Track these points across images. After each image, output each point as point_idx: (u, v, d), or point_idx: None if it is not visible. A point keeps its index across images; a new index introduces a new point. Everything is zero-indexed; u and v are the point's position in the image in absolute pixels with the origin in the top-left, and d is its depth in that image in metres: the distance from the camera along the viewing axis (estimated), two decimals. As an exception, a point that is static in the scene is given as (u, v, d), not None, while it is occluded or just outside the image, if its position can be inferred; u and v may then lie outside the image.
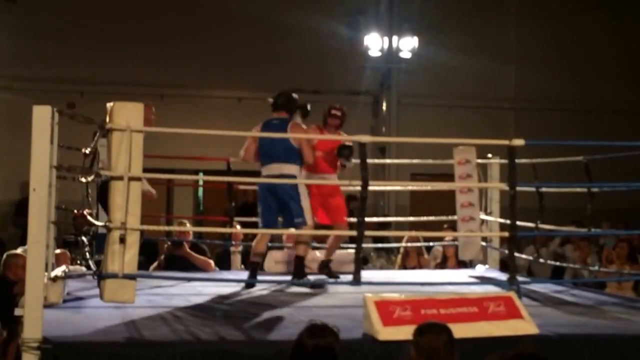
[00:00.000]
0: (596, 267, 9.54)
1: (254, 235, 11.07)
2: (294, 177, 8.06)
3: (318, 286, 7.92)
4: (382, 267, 10.80)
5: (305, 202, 8.09)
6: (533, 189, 8.99)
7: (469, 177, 9.28)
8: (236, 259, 10.30)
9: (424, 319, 5.24)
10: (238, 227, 9.99)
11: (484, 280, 8.76)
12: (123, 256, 5.91)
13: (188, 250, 9.50)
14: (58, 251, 7.58)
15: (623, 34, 17.61)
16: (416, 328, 4.58)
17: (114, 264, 5.92)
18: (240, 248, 10.36)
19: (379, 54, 16.43)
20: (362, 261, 7.47)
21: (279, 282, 8.32)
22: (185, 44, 15.74)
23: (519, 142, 7.08)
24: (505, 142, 7.16)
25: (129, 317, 6.19)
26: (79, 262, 8.90)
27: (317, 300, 7.34)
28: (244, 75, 16.02)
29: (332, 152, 8.52)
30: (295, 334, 4.60)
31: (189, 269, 9.25)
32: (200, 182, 15.39)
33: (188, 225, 9.99)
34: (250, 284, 7.90)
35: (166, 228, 9.72)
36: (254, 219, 11.16)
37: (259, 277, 8.38)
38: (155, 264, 9.57)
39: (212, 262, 9.66)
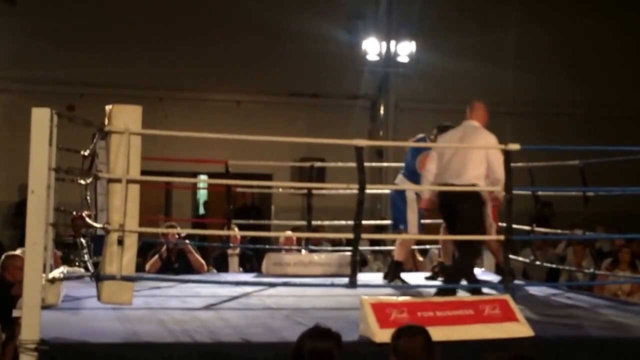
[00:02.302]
0: (591, 270, 9.56)
1: (253, 238, 11.13)
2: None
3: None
4: (379, 270, 10.81)
5: (411, 212, 8.66)
6: (529, 192, 9.02)
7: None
8: (234, 261, 10.33)
9: (420, 322, 5.26)
10: (236, 229, 10.04)
11: (479, 283, 8.77)
12: (121, 258, 5.93)
13: (189, 246, 9.59)
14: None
15: (621, 39, 17.65)
16: (394, 331, 4.56)
17: (112, 266, 5.94)
18: (237, 250, 10.40)
19: (377, 58, 16.46)
20: (360, 264, 7.52)
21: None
22: (185, 47, 15.76)
23: (514, 146, 7.11)
24: (501, 146, 7.19)
25: (126, 318, 6.22)
26: (77, 263, 8.93)
27: (315, 303, 7.36)
28: (243, 79, 16.05)
29: None
30: (292, 337, 4.61)
31: (184, 266, 9.35)
32: (200, 185, 15.43)
33: (178, 227, 10.02)
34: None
35: (165, 230, 9.73)
36: (251, 222, 11.23)
37: (273, 280, 8.51)
38: (157, 257, 9.59)
39: (204, 264, 9.71)
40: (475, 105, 8.21)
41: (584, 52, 17.44)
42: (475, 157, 7.70)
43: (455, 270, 8.04)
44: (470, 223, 7.61)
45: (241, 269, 10.34)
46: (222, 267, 10.22)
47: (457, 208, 7.66)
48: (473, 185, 7.60)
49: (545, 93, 17.34)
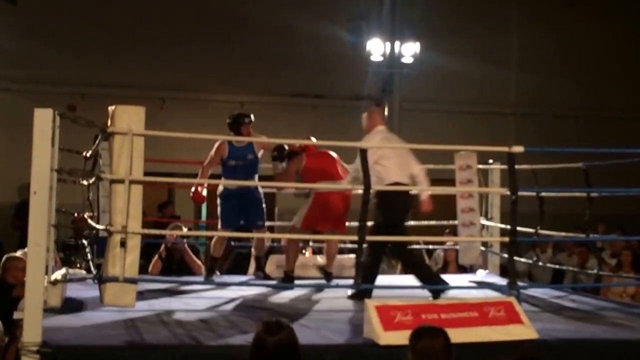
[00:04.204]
0: (595, 272, 9.52)
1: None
2: None
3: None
4: (383, 272, 10.78)
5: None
6: (533, 194, 9.00)
7: (470, 183, 9.29)
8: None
9: (424, 324, 5.24)
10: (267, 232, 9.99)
11: (484, 285, 8.76)
12: (124, 260, 5.90)
13: (186, 247, 9.54)
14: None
15: (623, 40, 17.64)
16: (412, 332, 4.54)
17: (115, 268, 5.91)
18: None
19: (381, 59, 16.45)
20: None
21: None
22: (187, 47, 15.75)
23: (518, 148, 7.09)
24: (505, 148, 7.16)
25: (128, 320, 6.20)
26: (79, 265, 8.90)
27: (319, 305, 7.33)
28: (246, 79, 16.03)
29: None
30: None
31: (186, 267, 9.32)
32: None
33: (185, 229, 9.97)
34: None
35: (166, 232, 9.67)
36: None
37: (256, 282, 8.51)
38: (156, 258, 9.55)
39: (201, 265, 9.65)
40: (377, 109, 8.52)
41: (586, 53, 17.43)
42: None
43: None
44: None
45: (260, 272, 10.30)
46: (243, 268, 10.09)
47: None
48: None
49: (548, 94, 17.33)
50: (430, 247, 10.95)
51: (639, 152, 7.97)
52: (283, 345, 4.31)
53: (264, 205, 8.94)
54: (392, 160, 7.79)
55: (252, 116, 8.98)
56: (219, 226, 8.86)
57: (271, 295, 7.95)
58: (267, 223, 12.63)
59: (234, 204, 8.80)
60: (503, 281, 8.64)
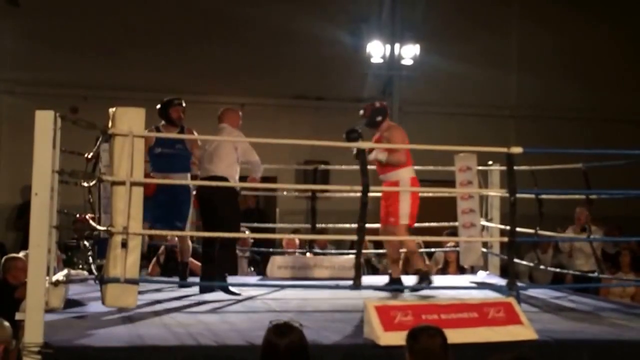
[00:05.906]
0: (595, 274, 9.54)
1: (256, 241, 11.11)
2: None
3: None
4: (385, 271, 10.80)
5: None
6: (533, 195, 9.02)
7: (470, 184, 9.32)
8: (242, 262, 10.30)
9: (420, 324, 5.26)
10: (247, 232, 10.03)
11: (484, 286, 8.77)
12: (125, 261, 5.93)
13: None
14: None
15: (623, 42, 17.62)
16: (409, 333, 4.54)
17: (116, 269, 5.94)
18: (247, 253, 10.39)
19: (381, 61, 16.46)
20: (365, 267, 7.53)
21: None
22: (188, 49, 15.75)
23: (517, 149, 7.12)
24: (504, 149, 7.19)
25: (130, 321, 6.22)
26: (80, 266, 8.91)
27: (319, 305, 7.35)
28: (247, 81, 16.03)
29: None
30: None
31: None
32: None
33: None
34: None
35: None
36: (255, 225, 11.22)
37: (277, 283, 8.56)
38: (154, 260, 9.56)
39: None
40: (225, 110, 8.92)
41: (587, 55, 17.42)
42: (223, 151, 8.21)
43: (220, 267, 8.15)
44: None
45: (252, 268, 10.31)
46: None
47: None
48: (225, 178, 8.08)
49: (549, 96, 17.32)
50: (433, 249, 10.97)
51: (637, 153, 7.98)
52: (295, 347, 4.28)
53: (190, 208, 8.42)
54: (219, 153, 8.15)
55: (182, 101, 8.68)
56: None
57: (273, 296, 7.97)
58: (268, 225, 12.70)
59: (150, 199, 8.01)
60: (503, 282, 8.66)
